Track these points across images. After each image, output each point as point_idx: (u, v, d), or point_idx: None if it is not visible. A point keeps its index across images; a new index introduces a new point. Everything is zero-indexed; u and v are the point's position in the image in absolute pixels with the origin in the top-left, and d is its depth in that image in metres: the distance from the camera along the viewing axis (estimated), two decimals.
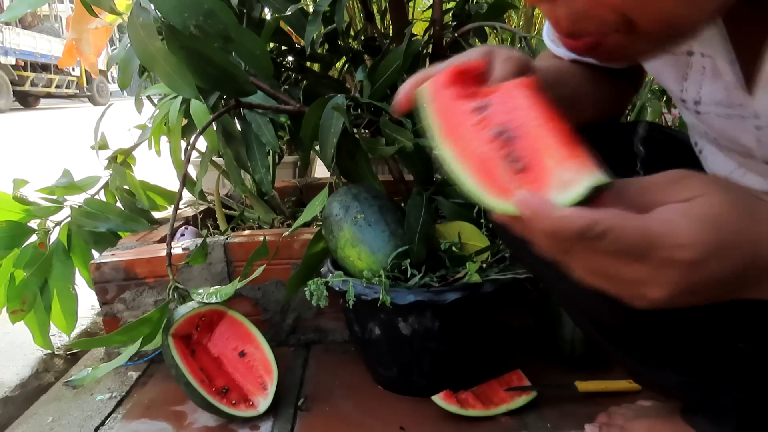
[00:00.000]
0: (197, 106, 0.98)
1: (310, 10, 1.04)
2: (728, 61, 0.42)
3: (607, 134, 0.60)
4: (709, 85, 0.46)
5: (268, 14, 1.09)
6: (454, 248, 0.83)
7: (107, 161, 1.20)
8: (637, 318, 0.55)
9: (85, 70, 11.85)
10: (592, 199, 0.30)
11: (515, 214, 0.31)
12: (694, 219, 0.30)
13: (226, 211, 1.33)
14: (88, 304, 1.25)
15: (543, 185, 0.31)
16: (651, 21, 0.33)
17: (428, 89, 0.37)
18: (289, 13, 0.93)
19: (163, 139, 1.17)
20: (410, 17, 1.27)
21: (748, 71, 0.42)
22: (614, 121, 0.66)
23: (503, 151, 0.33)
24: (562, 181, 0.30)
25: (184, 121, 1.05)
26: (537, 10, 1.78)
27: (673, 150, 0.61)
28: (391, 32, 1.32)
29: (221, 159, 1.14)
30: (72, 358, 1.07)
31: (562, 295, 0.63)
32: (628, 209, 0.31)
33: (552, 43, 0.63)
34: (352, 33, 1.33)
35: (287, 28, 1.07)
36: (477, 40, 1.25)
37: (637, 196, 0.33)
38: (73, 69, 11.93)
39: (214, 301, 0.81)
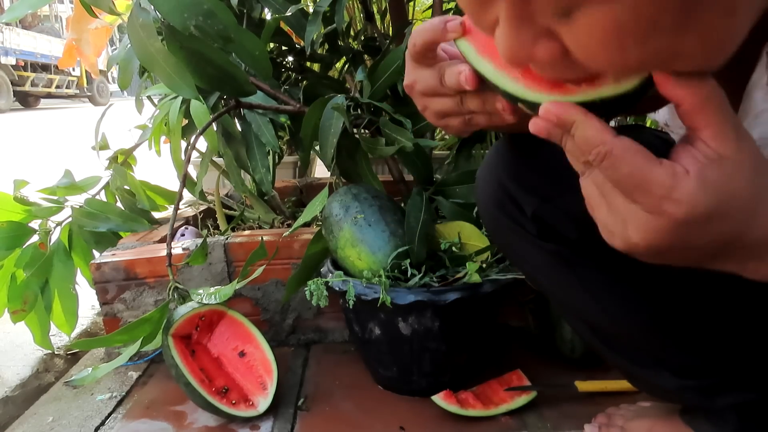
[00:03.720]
0: (197, 107, 0.98)
1: (310, 10, 1.04)
2: None
3: None
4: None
5: (268, 15, 1.10)
6: (454, 248, 0.83)
7: (108, 161, 1.21)
8: (633, 324, 0.55)
9: (86, 71, 11.85)
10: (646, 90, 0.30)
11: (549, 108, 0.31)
12: (702, 180, 0.30)
13: (226, 211, 1.33)
14: (88, 304, 1.25)
15: (596, 80, 0.31)
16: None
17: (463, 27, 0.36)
18: (289, 13, 0.93)
19: (164, 139, 1.17)
20: (410, 17, 1.27)
21: None
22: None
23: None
24: (616, 76, 0.30)
25: (185, 122, 1.05)
26: None
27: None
28: (391, 32, 1.32)
29: (221, 159, 1.14)
30: (72, 358, 1.07)
31: (557, 300, 0.62)
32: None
33: None
34: (352, 33, 1.33)
35: (287, 29, 1.07)
36: None
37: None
38: (74, 69, 11.93)
39: (213, 301, 0.81)
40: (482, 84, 0.37)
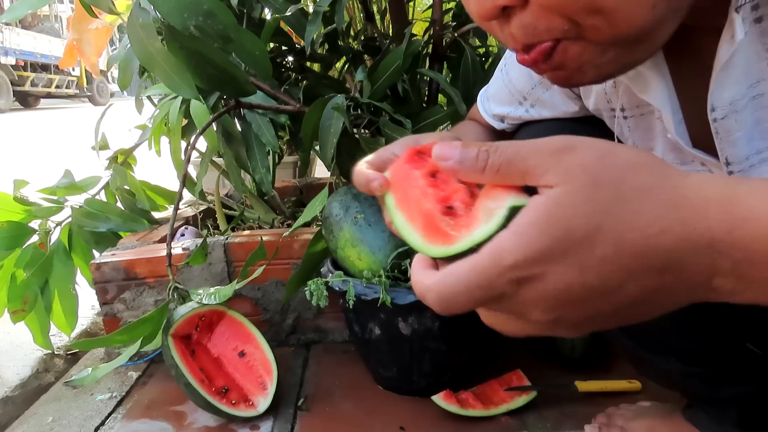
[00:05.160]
0: (197, 107, 0.98)
1: (310, 10, 1.04)
2: (675, 120, 0.44)
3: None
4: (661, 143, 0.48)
5: (268, 15, 1.10)
6: None
7: (108, 161, 1.21)
8: None
9: (86, 70, 11.86)
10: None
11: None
12: (516, 227, 0.27)
13: (226, 211, 1.33)
14: (88, 304, 1.25)
15: (473, 222, 0.30)
16: (590, 20, 0.34)
17: (390, 173, 0.38)
18: (289, 13, 0.93)
19: (164, 139, 1.17)
20: (410, 17, 1.27)
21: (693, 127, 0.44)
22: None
23: (448, 203, 0.34)
24: (486, 212, 0.30)
25: (184, 122, 1.05)
26: None
27: None
28: (391, 32, 1.32)
29: (221, 159, 1.14)
30: (72, 358, 1.07)
31: None
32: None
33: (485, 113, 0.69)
34: (352, 33, 1.33)
35: (287, 28, 1.07)
36: (477, 40, 1.25)
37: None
38: (73, 69, 11.93)
39: (213, 301, 0.81)
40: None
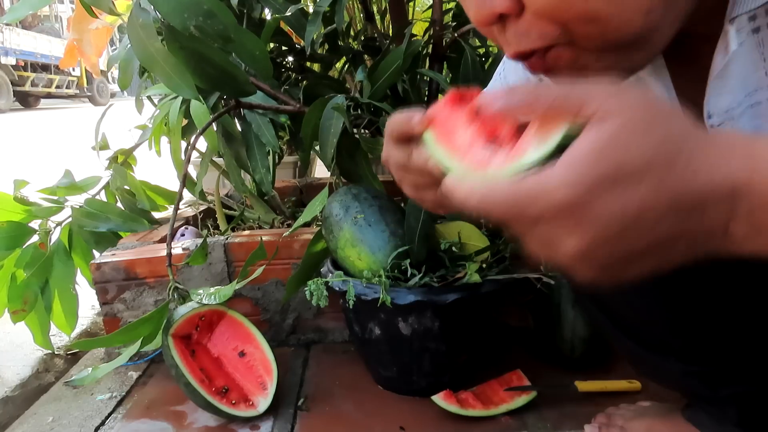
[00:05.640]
0: (197, 107, 0.98)
1: (310, 10, 1.04)
2: None
3: None
4: None
5: (268, 15, 1.10)
6: (454, 248, 0.83)
7: (108, 161, 1.21)
8: (646, 305, 0.57)
9: (86, 70, 11.86)
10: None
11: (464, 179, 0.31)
12: (570, 157, 0.28)
13: (226, 211, 1.33)
14: (88, 304, 1.25)
15: (521, 150, 0.31)
16: (583, 27, 0.34)
17: (431, 112, 0.39)
18: (289, 13, 0.93)
19: (164, 139, 1.17)
20: (410, 17, 1.27)
21: None
22: None
23: (492, 136, 0.34)
24: (538, 140, 0.30)
25: (185, 122, 1.05)
26: None
27: None
28: (391, 32, 1.32)
29: (221, 159, 1.15)
30: (72, 358, 1.07)
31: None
32: None
33: None
34: (352, 33, 1.33)
35: (287, 29, 1.07)
36: (477, 40, 1.25)
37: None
38: (74, 69, 11.93)
39: (213, 301, 0.81)
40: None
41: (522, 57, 0.38)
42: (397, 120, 0.41)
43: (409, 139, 0.42)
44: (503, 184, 0.29)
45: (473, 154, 0.33)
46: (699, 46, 0.41)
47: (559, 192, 0.27)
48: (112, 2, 0.82)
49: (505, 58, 0.67)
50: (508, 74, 0.64)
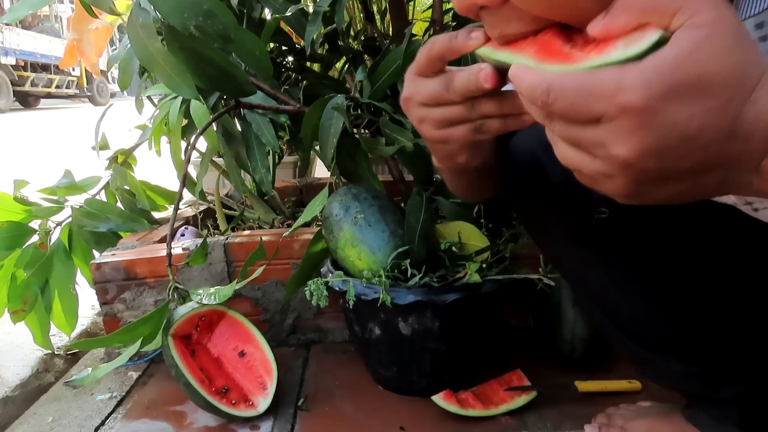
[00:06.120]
0: (197, 107, 0.98)
1: (310, 10, 1.04)
2: None
3: None
4: None
5: (268, 15, 1.10)
6: (454, 248, 0.83)
7: (108, 161, 1.21)
8: (646, 305, 0.57)
9: (86, 70, 11.86)
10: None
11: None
12: (655, 59, 0.28)
13: (226, 211, 1.33)
14: (88, 304, 1.25)
15: (607, 49, 0.30)
16: (568, 20, 0.34)
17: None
18: (289, 13, 0.93)
19: (164, 139, 1.17)
20: (410, 17, 1.27)
21: None
22: None
23: (570, 41, 0.33)
24: (626, 42, 0.29)
25: (185, 122, 1.05)
26: None
27: None
28: (391, 32, 1.32)
29: (221, 159, 1.14)
30: (72, 358, 1.07)
31: (573, 278, 0.64)
32: None
33: None
34: (352, 33, 1.33)
35: (287, 29, 1.07)
36: None
37: None
38: (73, 69, 11.93)
39: (213, 301, 0.81)
40: (501, 82, 0.38)
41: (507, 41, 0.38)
42: (445, 37, 0.39)
43: (443, 67, 0.41)
44: (578, 73, 0.29)
45: (548, 51, 0.32)
46: None
47: (634, 90, 0.27)
48: (112, 2, 0.82)
49: None
50: None
